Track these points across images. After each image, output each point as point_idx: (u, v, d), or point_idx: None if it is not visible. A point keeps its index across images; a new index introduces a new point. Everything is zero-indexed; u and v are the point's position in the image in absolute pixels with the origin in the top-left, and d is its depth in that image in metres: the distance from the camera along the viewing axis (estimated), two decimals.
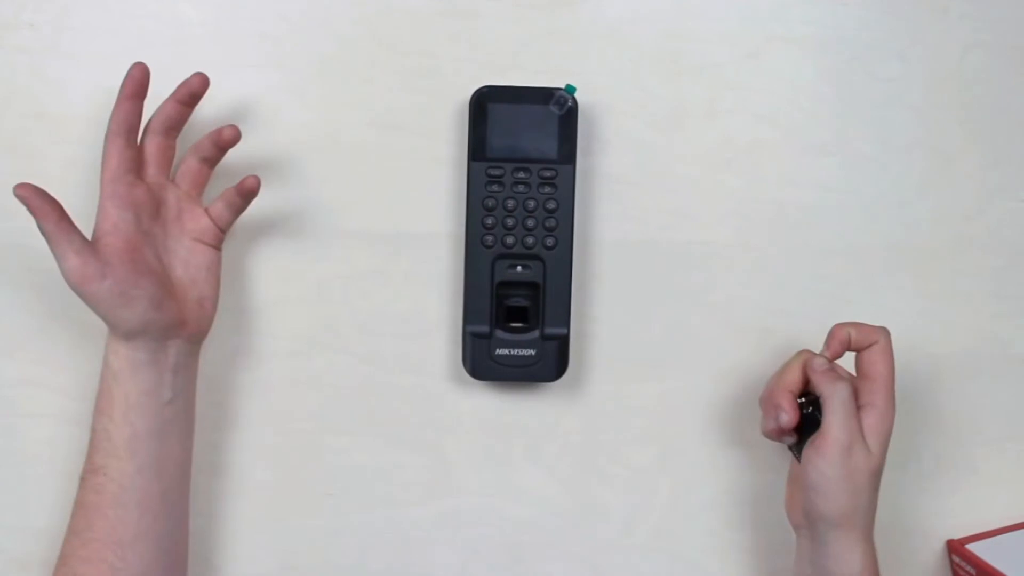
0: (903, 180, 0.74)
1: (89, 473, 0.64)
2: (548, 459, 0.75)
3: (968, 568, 0.74)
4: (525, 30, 0.72)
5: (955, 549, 0.75)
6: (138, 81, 0.63)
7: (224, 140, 0.65)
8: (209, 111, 0.69)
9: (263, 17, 0.71)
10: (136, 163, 0.64)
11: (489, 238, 0.69)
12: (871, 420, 0.63)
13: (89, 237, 0.62)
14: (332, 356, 0.73)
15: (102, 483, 0.63)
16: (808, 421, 0.65)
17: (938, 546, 0.76)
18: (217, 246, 0.67)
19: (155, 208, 0.65)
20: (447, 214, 0.72)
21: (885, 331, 0.66)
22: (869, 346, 0.65)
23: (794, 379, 0.66)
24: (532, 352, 0.70)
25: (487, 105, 0.69)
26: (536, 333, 0.70)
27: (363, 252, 0.72)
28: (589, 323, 0.74)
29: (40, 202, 0.59)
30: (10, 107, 0.70)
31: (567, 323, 0.70)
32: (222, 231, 0.67)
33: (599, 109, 0.72)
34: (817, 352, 0.66)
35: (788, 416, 0.65)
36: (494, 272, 0.70)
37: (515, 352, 0.70)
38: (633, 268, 0.74)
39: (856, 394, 0.64)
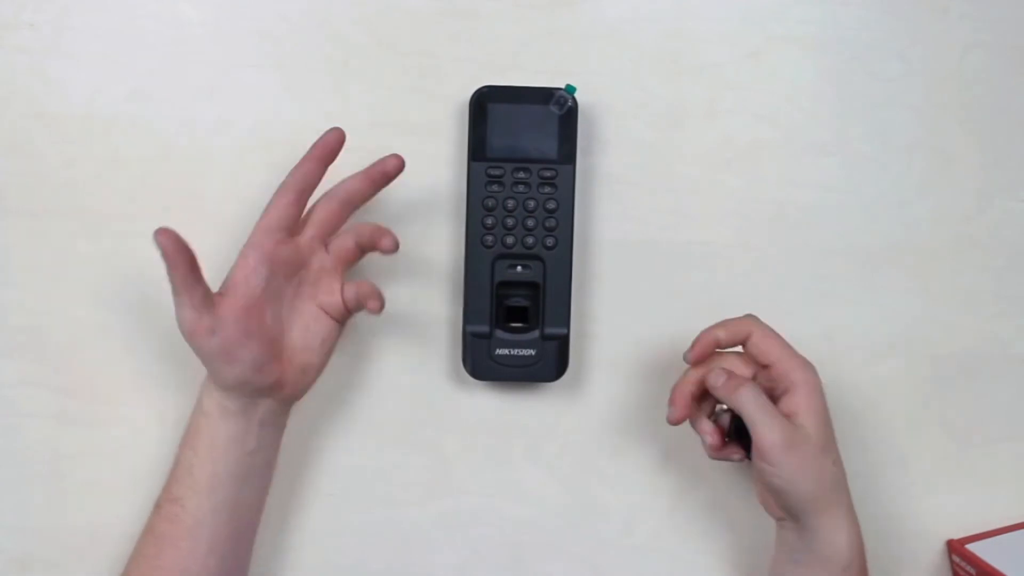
0: (903, 180, 0.74)
1: (166, 502, 0.64)
2: (548, 459, 0.75)
3: (968, 568, 0.74)
4: (525, 30, 0.72)
5: (955, 549, 0.75)
6: (331, 147, 0.64)
7: (384, 248, 0.65)
8: (210, 112, 0.70)
9: (263, 17, 0.71)
10: (294, 222, 0.64)
11: (489, 238, 0.69)
12: (797, 399, 0.63)
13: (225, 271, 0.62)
14: (331, 356, 0.73)
15: (177, 514, 0.63)
16: (743, 427, 0.64)
17: (938, 546, 0.76)
18: (340, 321, 0.67)
19: (295, 268, 0.65)
20: (447, 214, 0.72)
21: (752, 318, 0.65)
22: (746, 339, 0.65)
23: (695, 390, 0.66)
24: (532, 352, 0.70)
25: (487, 105, 0.69)
26: (536, 333, 0.70)
27: None
28: (589, 323, 0.74)
29: (175, 253, 0.58)
30: (10, 107, 0.70)
31: (567, 323, 0.70)
32: (349, 311, 0.66)
33: (599, 109, 0.72)
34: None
35: (711, 438, 0.65)
36: (494, 272, 0.70)
37: (515, 352, 0.70)
38: (633, 268, 0.74)
39: (772, 384, 0.64)
